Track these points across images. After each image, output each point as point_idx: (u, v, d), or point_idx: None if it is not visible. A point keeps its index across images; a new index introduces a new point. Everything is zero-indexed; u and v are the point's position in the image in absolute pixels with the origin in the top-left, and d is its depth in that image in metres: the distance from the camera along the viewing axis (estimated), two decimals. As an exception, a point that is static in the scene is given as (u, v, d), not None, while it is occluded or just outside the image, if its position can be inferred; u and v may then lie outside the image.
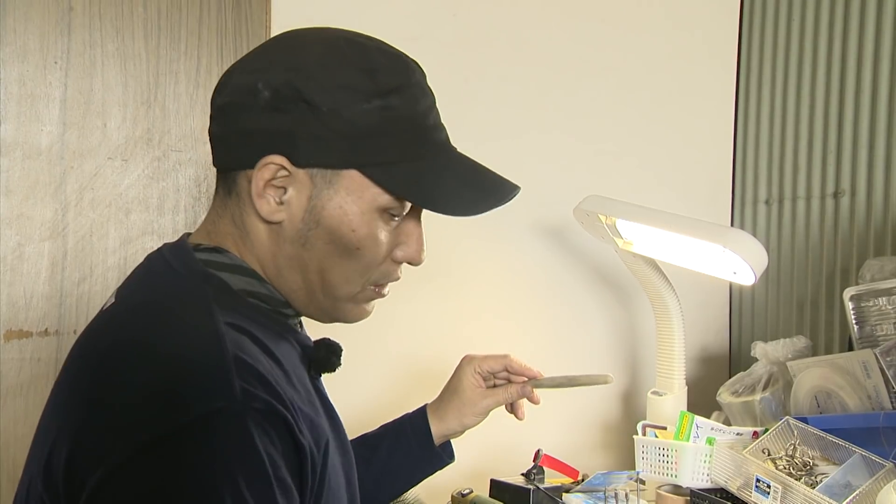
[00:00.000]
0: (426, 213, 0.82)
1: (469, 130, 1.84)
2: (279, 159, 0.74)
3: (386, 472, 1.07)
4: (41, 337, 1.41)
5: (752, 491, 1.24)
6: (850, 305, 1.50)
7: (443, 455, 1.11)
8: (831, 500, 1.13)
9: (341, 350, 0.84)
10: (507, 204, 0.87)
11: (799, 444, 1.29)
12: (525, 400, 1.13)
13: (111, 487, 0.62)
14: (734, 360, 2.03)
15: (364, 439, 1.10)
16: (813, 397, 1.46)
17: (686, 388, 1.65)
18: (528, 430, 1.49)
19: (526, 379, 1.11)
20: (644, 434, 1.48)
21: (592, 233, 1.65)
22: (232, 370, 0.66)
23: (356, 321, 0.83)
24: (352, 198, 0.75)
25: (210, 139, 0.81)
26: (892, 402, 1.32)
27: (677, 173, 1.97)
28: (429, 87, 0.81)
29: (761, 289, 1.95)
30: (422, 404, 1.14)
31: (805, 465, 1.26)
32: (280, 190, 0.76)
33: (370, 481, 1.05)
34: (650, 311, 1.70)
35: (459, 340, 1.75)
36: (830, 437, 1.27)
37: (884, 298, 1.47)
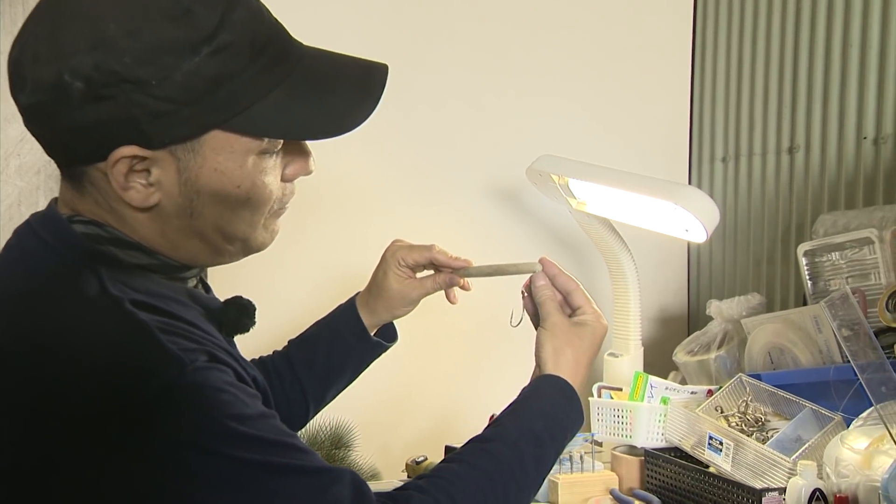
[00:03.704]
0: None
1: (420, 92, 1.81)
2: (129, 150, 0.67)
3: (330, 371, 1.05)
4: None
5: (706, 448, 1.24)
6: (803, 261, 1.50)
7: (383, 341, 1.07)
8: (781, 455, 1.14)
9: (254, 308, 0.80)
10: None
11: (751, 401, 1.29)
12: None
13: (87, 487, 0.61)
14: (693, 319, 2.03)
15: (301, 341, 1.07)
16: (766, 354, 1.46)
17: (642, 348, 1.64)
18: (481, 395, 1.47)
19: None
20: (599, 396, 1.47)
21: (546, 193, 1.63)
22: (160, 337, 0.64)
23: (270, 244, 0.79)
24: (223, 156, 0.69)
25: (32, 135, 0.71)
26: (842, 356, 1.32)
27: (634, 132, 1.94)
28: None
29: (719, 247, 1.94)
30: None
31: (757, 421, 1.26)
32: (144, 173, 0.69)
33: (317, 381, 1.04)
34: (606, 272, 1.69)
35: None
36: (782, 393, 1.27)
37: (836, 253, 1.47)
